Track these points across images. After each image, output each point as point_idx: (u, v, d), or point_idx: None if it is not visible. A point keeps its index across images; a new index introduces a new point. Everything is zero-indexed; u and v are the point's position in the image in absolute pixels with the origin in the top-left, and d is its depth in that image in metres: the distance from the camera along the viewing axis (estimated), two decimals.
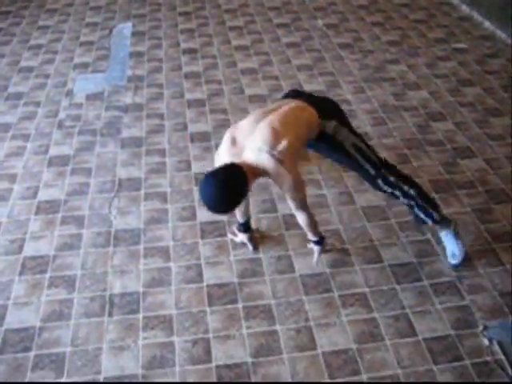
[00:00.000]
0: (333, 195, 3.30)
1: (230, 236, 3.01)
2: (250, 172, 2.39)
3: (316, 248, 2.77)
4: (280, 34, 5.23)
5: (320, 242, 2.75)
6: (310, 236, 2.74)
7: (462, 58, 4.79)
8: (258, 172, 2.44)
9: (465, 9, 5.66)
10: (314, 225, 2.69)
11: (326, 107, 2.73)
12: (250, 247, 2.94)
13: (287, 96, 2.84)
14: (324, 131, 2.65)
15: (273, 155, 2.40)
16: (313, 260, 2.80)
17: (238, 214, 2.87)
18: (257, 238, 3.00)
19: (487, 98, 4.21)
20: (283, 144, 2.43)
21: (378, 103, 4.17)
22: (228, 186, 2.29)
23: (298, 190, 2.51)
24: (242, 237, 2.96)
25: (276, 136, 2.44)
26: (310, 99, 2.72)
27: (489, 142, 3.73)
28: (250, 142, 2.47)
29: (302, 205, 2.58)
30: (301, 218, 2.64)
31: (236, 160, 2.43)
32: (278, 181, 2.47)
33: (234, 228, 3.00)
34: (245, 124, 2.56)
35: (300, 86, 4.37)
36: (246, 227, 2.92)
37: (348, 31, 5.27)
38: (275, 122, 2.50)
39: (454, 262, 2.83)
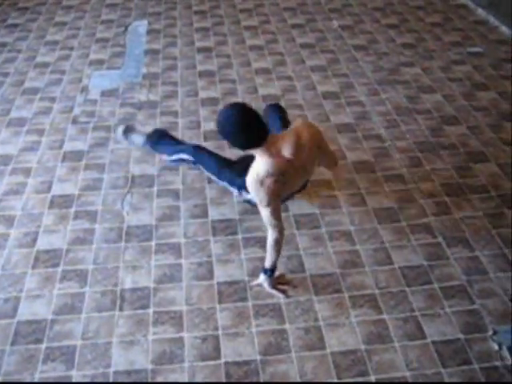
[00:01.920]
0: (344, 197, 3.30)
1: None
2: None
3: (262, 278, 2.68)
4: (294, 34, 5.23)
5: (268, 271, 2.65)
6: (267, 260, 2.64)
7: (477, 61, 4.77)
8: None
9: (481, 12, 5.63)
10: (278, 249, 2.59)
11: None
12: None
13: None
14: None
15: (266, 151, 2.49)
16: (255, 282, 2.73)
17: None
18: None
19: (502, 103, 4.19)
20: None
21: (392, 106, 4.17)
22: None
23: (266, 205, 2.48)
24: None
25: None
26: None
27: (502, 147, 3.72)
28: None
29: (272, 221, 2.52)
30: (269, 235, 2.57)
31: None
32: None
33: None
34: None
35: (314, 87, 4.38)
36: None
37: (363, 33, 5.27)
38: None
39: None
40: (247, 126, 2.42)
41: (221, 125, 2.48)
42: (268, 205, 2.49)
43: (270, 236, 2.57)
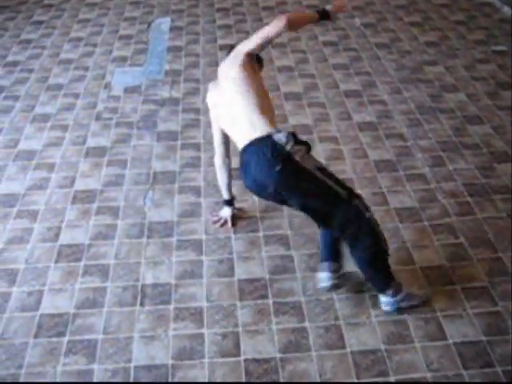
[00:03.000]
0: (366, 195, 3.27)
1: (209, 217, 3.14)
2: None
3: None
4: (317, 32, 5.21)
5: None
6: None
7: (501, 60, 4.71)
8: None
9: (507, 10, 5.55)
10: None
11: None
12: (229, 224, 3.07)
13: None
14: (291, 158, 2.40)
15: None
16: None
17: (224, 191, 3.04)
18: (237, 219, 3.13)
19: None
20: None
21: (415, 104, 4.13)
22: None
23: None
24: (225, 210, 3.09)
25: None
26: None
27: None
28: None
29: None
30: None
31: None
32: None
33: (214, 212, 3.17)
34: None
35: (336, 85, 4.36)
36: (230, 203, 3.08)
37: (386, 31, 5.23)
38: None
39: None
40: None
41: None
42: None
43: None
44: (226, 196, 3.06)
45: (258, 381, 2.33)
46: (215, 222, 3.09)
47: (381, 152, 3.64)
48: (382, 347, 2.46)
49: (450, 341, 2.48)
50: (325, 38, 5.10)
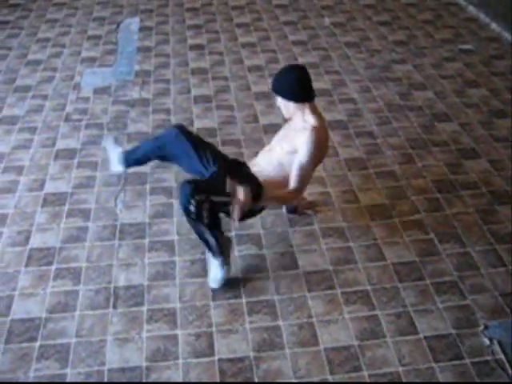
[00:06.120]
0: (337, 193, 3.32)
1: None
2: None
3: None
4: (287, 31, 5.24)
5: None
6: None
7: (468, 59, 4.80)
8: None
9: (472, 10, 5.66)
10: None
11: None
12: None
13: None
14: None
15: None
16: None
17: None
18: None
19: (493, 100, 4.22)
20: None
21: (384, 103, 4.18)
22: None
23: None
24: None
25: None
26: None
27: (493, 144, 3.75)
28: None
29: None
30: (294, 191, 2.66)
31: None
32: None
33: None
34: None
35: None
36: None
37: (355, 30, 5.28)
38: None
39: (213, 285, 2.73)
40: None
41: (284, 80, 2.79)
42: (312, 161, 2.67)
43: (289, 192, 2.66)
44: None
45: (233, 380, 2.34)
46: None
47: (351, 150, 3.68)
48: (355, 343, 2.49)
49: (421, 335, 2.52)
50: (294, 38, 5.12)
